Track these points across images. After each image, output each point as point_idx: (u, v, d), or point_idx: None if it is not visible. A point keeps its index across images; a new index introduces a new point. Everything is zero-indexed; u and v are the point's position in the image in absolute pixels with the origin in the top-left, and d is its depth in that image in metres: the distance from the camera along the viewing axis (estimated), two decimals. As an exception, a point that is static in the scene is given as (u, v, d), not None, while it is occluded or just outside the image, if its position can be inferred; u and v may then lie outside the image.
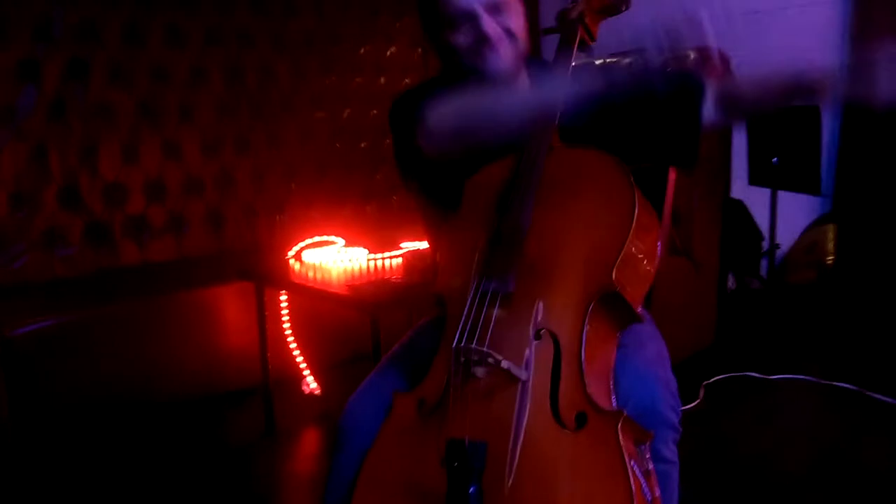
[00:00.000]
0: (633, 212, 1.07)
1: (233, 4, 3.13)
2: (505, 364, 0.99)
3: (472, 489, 0.86)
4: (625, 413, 0.98)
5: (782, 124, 2.73)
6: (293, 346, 2.66)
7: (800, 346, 2.97)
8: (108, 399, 2.43)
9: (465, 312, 1.07)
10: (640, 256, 1.10)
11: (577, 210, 1.14)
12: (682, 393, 2.54)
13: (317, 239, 2.53)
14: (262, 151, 3.26)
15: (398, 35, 3.68)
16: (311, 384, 2.69)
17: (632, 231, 1.07)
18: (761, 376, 2.68)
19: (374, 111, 3.58)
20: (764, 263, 3.51)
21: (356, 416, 1.21)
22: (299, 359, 2.67)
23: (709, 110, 1.19)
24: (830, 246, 3.31)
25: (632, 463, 0.94)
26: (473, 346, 1.02)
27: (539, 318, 1.05)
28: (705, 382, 2.63)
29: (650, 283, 1.13)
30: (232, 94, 3.15)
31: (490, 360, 1.00)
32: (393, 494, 1.05)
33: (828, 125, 3.21)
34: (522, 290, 1.07)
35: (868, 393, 2.49)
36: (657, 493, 0.99)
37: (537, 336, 1.04)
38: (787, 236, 3.40)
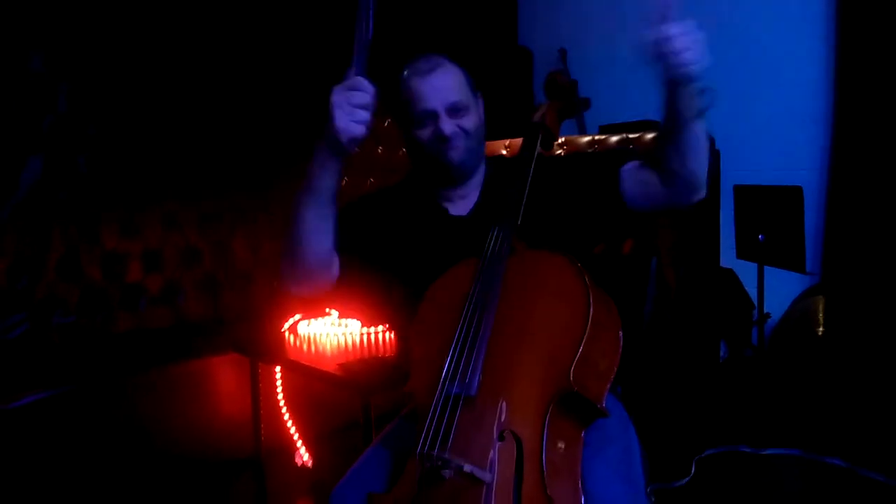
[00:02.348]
0: (588, 313, 1.13)
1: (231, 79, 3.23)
2: (468, 468, 1.03)
3: None
4: None
5: (767, 203, 2.81)
6: (286, 417, 2.68)
7: (790, 419, 2.98)
8: (100, 467, 2.42)
9: (429, 417, 1.12)
10: (598, 354, 1.15)
11: (536, 312, 1.20)
12: (675, 467, 2.57)
13: (311, 311, 2.58)
14: (259, 220, 3.32)
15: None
16: (304, 456, 2.69)
17: (587, 332, 1.12)
18: (752, 451, 2.69)
19: (371, 179, 3.66)
20: (755, 333, 3.56)
21: None
22: (292, 430, 2.68)
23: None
24: (820, 317, 3.35)
25: None
26: (436, 452, 1.06)
27: (503, 419, 1.10)
28: (697, 457, 2.64)
29: (611, 378, 1.17)
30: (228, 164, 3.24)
31: (453, 464, 1.04)
32: None
33: (814, 202, 3.31)
34: (485, 392, 1.12)
35: (858, 470, 2.50)
36: None
37: (501, 437, 1.08)
38: (778, 306, 3.45)
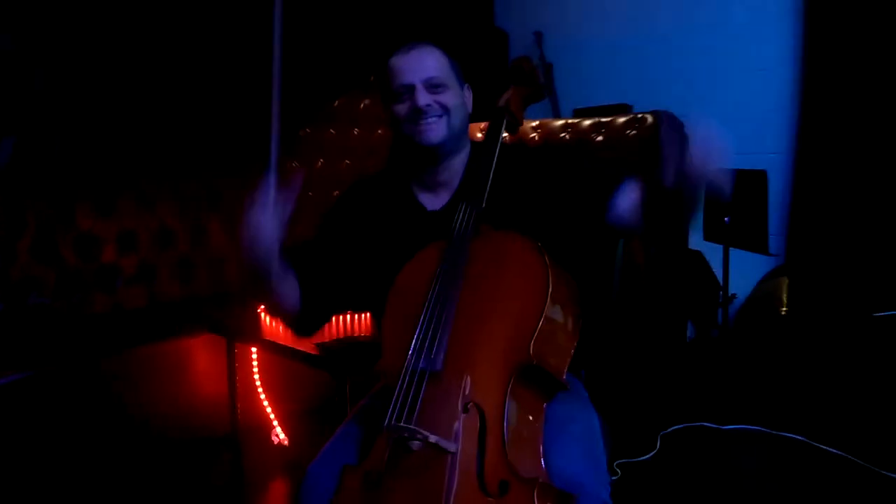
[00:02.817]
0: (547, 290, 1.18)
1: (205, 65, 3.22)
2: (433, 438, 1.08)
3: None
4: (540, 480, 1.06)
5: (733, 186, 2.88)
6: (262, 396, 2.72)
7: (753, 396, 3.09)
8: (77, 447, 2.45)
9: (396, 391, 1.17)
10: (558, 330, 1.21)
11: (499, 290, 1.25)
12: (641, 442, 2.65)
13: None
14: (234, 201, 3.33)
15: (371, 88, 3.79)
16: (280, 435, 2.74)
17: (546, 308, 1.17)
18: (715, 426, 2.79)
19: (347, 161, 3.68)
20: (721, 313, 3.66)
21: (312, 484, 1.28)
22: (268, 409, 2.73)
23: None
24: (784, 297, 3.45)
25: None
26: (402, 423, 1.11)
27: (467, 392, 1.15)
28: (662, 433, 2.73)
29: (571, 353, 1.23)
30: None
31: (419, 435, 1.08)
32: None
33: (779, 185, 3.40)
34: (450, 367, 1.17)
35: (814, 444, 2.61)
36: None
37: (465, 409, 1.13)
38: (743, 287, 3.55)
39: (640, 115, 2.99)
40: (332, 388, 2.12)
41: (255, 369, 2.69)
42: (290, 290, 1.41)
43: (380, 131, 3.78)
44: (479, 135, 3.53)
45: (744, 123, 3.51)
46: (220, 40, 3.21)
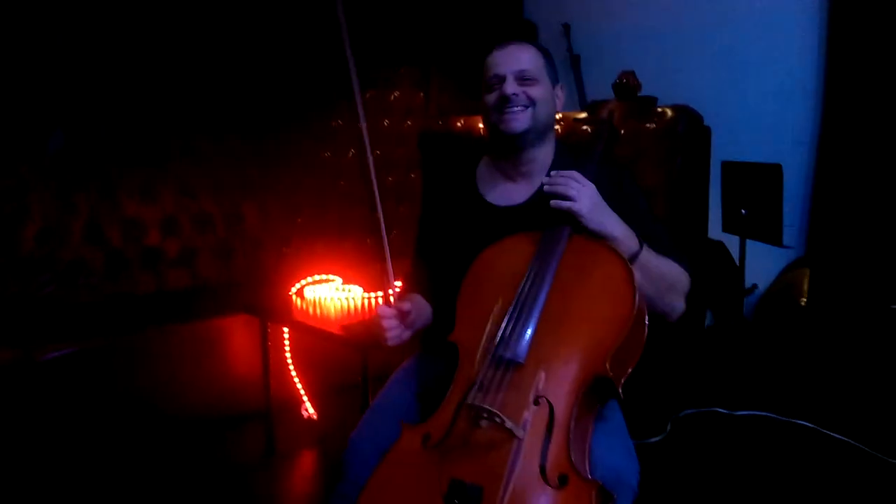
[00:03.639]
0: (633, 313, 1.25)
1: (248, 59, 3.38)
2: (508, 424, 1.15)
3: None
4: (600, 484, 1.13)
5: (750, 179, 2.94)
6: (293, 374, 2.89)
7: (768, 384, 3.15)
8: (123, 416, 2.65)
9: (480, 372, 1.26)
10: (632, 347, 1.27)
11: (586, 299, 1.31)
12: (652, 426, 2.74)
13: (317, 277, 2.77)
14: (269, 190, 3.50)
15: (400, 80, 3.92)
16: (310, 409, 2.91)
17: (629, 329, 1.24)
18: (727, 412, 2.87)
19: (378, 151, 3.82)
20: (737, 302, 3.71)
21: (357, 450, 1.39)
22: (299, 386, 2.90)
23: None
24: (805, 288, 3.49)
25: None
26: (485, 404, 1.19)
27: (540, 387, 1.22)
28: (673, 416, 2.83)
29: (632, 367, 1.29)
30: (241, 137, 3.41)
31: (497, 418, 1.16)
32: None
33: (800, 177, 3.44)
34: (530, 361, 1.25)
35: (823, 430, 2.67)
36: None
37: (536, 402, 1.20)
38: (762, 279, 3.61)
39: (660, 109, 3.06)
40: (357, 367, 2.26)
41: (287, 348, 2.86)
42: (425, 314, 1.54)
43: (409, 122, 3.90)
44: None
45: (766, 115, 3.55)
46: (256, 37, 3.37)
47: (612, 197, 1.48)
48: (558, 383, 1.23)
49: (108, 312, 2.96)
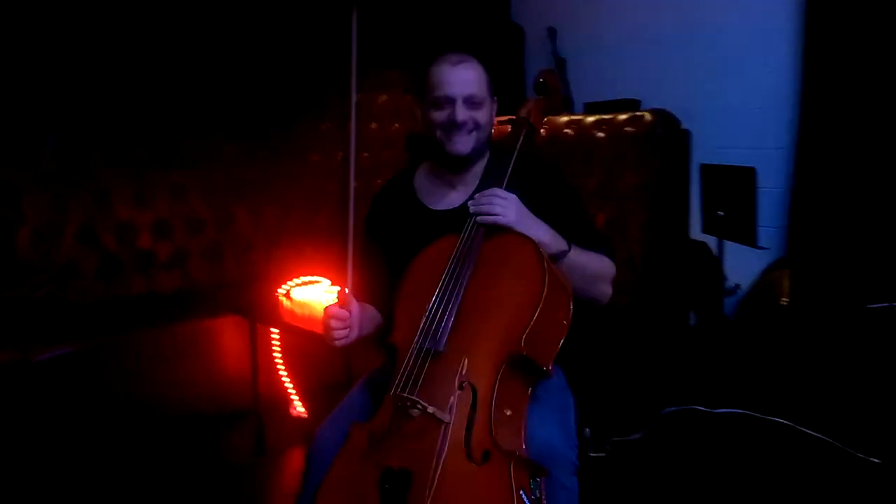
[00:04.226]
0: (543, 293, 1.34)
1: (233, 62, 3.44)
2: (430, 409, 1.26)
3: None
4: (517, 453, 1.23)
5: (726, 181, 3.01)
6: (282, 373, 2.95)
7: (748, 383, 3.21)
8: (116, 416, 2.72)
9: (404, 364, 1.35)
10: (548, 327, 1.36)
11: (501, 286, 1.42)
12: (633, 423, 2.81)
13: (305, 279, 2.83)
14: (259, 192, 3.56)
15: (388, 84, 3.98)
16: (299, 408, 2.98)
17: (540, 308, 1.33)
18: (707, 410, 2.94)
19: (365, 154, 3.88)
20: (726, 303, 3.78)
21: (321, 446, 1.47)
22: (288, 385, 2.96)
23: None
24: (786, 288, 3.56)
25: (520, 492, 1.19)
26: (406, 394, 1.29)
27: (464, 372, 1.32)
28: (655, 414, 2.89)
29: (559, 347, 1.38)
30: (231, 141, 3.46)
31: (419, 405, 1.26)
32: None
33: (780, 179, 3.51)
34: (452, 349, 1.34)
35: (800, 428, 2.74)
36: None
37: (460, 387, 1.30)
38: (747, 278, 3.67)
39: (638, 114, 3.13)
40: (342, 365, 2.34)
41: (276, 348, 2.92)
42: (374, 321, 1.65)
43: (396, 125, 3.97)
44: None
45: (746, 118, 3.62)
46: (244, 44, 3.43)
47: (535, 195, 1.58)
48: (480, 367, 1.32)
49: (101, 314, 3.01)
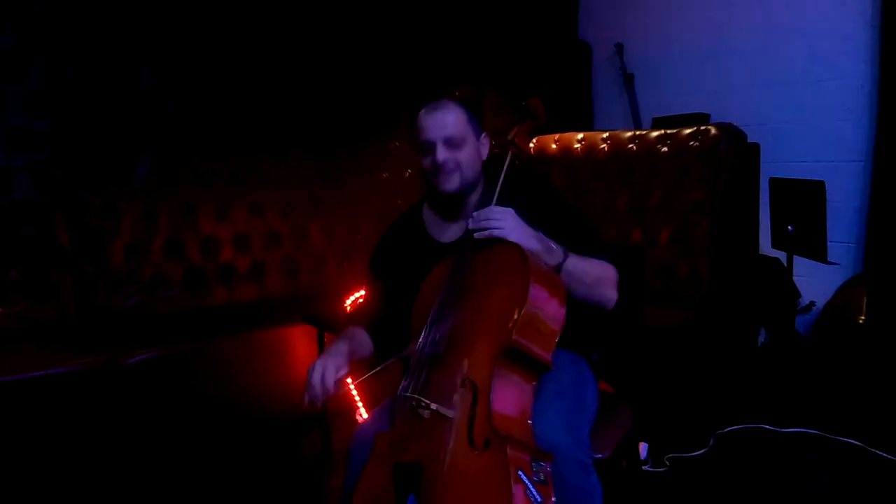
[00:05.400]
0: (527, 287, 1.43)
1: (311, 86, 3.64)
2: (434, 406, 1.38)
3: (410, 497, 1.24)
4: (513, 436, 1.32)
5: (796, 195, 2.95)
6: (348, 380, 3.08)
7: (822, 402, 3.12)
8: (197, 416, 2.90)
9: (410, 369, 1.49)
10: (539, 322, 1.45)
11: (491, 289, 1.53)
12: (696, 440, 2.78)
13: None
14: (333, 209, 3.74)
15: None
16: (364, 414, 3.10)
17: (526, 302, 1.42)
18: (774, 429, 2.87)
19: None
20: (799, 320, 3.68)
21: (357, 448, 1.60)
22: (354, 392, 3.09)
23: None
24: (862, 306, 3.43)
25: (518, 472, 1.28)
26: (409, 393, 1.43)
27: (465, 371, 1.43)
28: (718, 432, 2.85)
29: (555, 341, 1.48)
30: (308, 161, 3.66)
31: (423, 402, 1.39)
32: None
33: (857, 193, 3.41)
34: (452, 352, 1.46)
35: (871, 449, 2.65)
36: (552, 499, 1.30)
37: (462, 384, 1.41)
38: (823, 296, 3.57)
39: (703, 128, 3.12)
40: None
41: (343, 357, 3.05)
42: (365, 350, 1.80)
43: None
44: (553, 145, 3.74)
45: (821, 132, 3.54)
46: (318, 63, 3.63)
47: (529, 208, 1.66)
48: (478, 364, 1.42)
49: (185, 322, 3.24)
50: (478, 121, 1.76)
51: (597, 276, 1.63)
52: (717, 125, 3.10)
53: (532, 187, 1.77)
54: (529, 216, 1.61)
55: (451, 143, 1.68)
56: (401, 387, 1.48)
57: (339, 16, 3.68)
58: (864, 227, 3.39)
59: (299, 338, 3.14)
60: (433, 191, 1.77)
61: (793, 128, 3.63)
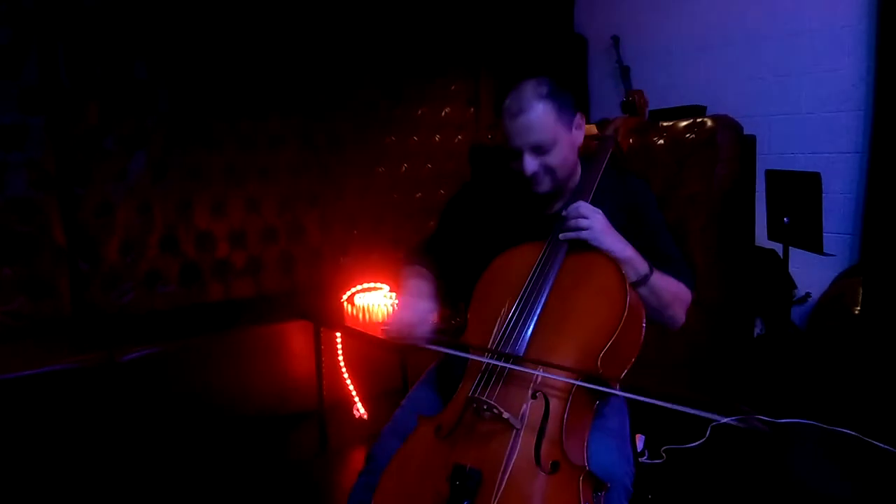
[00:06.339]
0: (623, 315, 1.36)
1: (306, 80, 3.63)
2: (506, 415, 1.29)
3: (466, 502, 1.21)
4: (587, 468, 1.25)
5: (792, 187, 2.95)
6: (345, 376, 3.09)
7: (817, 392, 3.13)
8: (193, 412, 2.91)
9: (483, 367, 1.40)
10: (623, 348, 1.38)
11: (581, 302, 1.44)
12: (691, 432, 2.80)
13: (367, 285, 2.96)
14: (329, 203, 3.73)
15: (452, 97, 4.10)
16: (360, 409, 3.10)
17: (619, 329, 1.36)
18: (770, 420, 2.88)
19: (429, 165, 4.00)
20: (796, 311, 3.68)
21: (384, 445, 1.54)
22: (350, 387, 3.10)
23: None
24: (858, 297, 3.44)
25: None
26: (485, 397, 1.33)
27: (538, 382, 1.35)
28: (714, 423, 2.85)
29: (629, 366, 1.40)
30: (304, 156, 3.64)
31: (495, 410, 1.29)
32: (405, 493, 1.32)
33: (853, 185, 3.41)
34: (529, 356, 1.38)
35: (866, 439, 2.65)
36: None
37: (534, 396, 1.33)
38: (818, 287, 3.57)
39: (700, 120, 3.11)
40: (399, 371, 2.44)
41: (340, 352, 3.06)
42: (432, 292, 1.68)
43: (459, 137, 4.07)
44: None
45: (817, 123, 3.53)
46: (313, 55, 3.62)
47: (623, 209, 1.60)
48: (555, 380, 1.34)
49: (181, 318, 3.23)
50: (569, 104, 1.58)
51: (673, 296, 1.56)
52: (713, 117, 3.09)
53: (630, 190, 1.67)
54: (620, 219, 1.54)
55: (540, 149, 1.55)
56: (472, 385, 1.38)
57: (336, 11, 3.66)
58: (860, 219, 3.39)
59: (296, 333, 3.14)
60: (525, 186, 1.63)
61: (789, 119, 3.63)
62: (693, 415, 1.35)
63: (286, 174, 3.59)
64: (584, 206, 1.49)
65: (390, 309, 2.71)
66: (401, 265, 1.78)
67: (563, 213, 1.51)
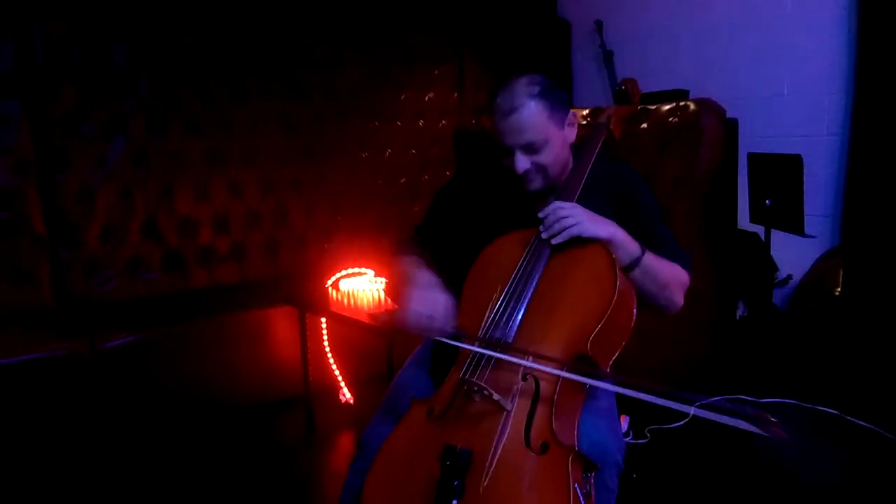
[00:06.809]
0: (613, 298, 1.37)
1: (288, 64, 3.59)
2: (496, 397, 1.29)
3: (456, 482, 1.21)
4: (576, 449, 1.27)
5: (773, 170, 2.98)
6: (331, 361, 3.08)
7: (798, 372, 3.17)
8: (179, 401, 2.89)
9: (471, 353, 1.40)
10: (613, 331, 1.39)
11: (571, 286, 1.44)
12: (675, 412, 2.83)
13: (351, 270, 2.95)
14: (313, 188, 3.70)
15: (436, 82, 4.07)
16: (346, 394, 3.10)
17: (609, 311, 1.36)
18: (752, 399, 2.91)
19: (413, 151, 3.99)
20: (777, 293, 3.72)
21: (375, 430, 1.55)
22: (336, 372, 3.09)
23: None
24: (839, 278, 3.48)
25: (575, 486, 1.22)
26: (475, 379, 1.34)
27: (528, 364, 1.35)
28: (697, 403, 2.88)
29: (620, 349, 1.41)
30: (287, 140, 3.61)
31: (486, 392, 1.30)
32: (398, 475, 1.33)
33: (833, 167, 3.44)
34: (519, 341, 1.39)
35: (847, 417, 2.70)
36: None
37: (524, 378, 1.34)
38: (800, 269, 3.61)
39: (682, 104, 3.12)
40: (385, 356, 2.43)
41: (325, 337, 3.05)
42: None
43: (443, 122, 4.05)
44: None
45: (798, 106, 3.56)
46: (298, 37, 3.57)
47: (616, 196, 1.60)
48: (544, 362, 1.35)
49: (164, 305, 3.20)
50: (562, 102, 1.57)
51: (668, 277, 1.54)
52: (696, 101, 3.10)
53: (623, 178, 1.67)
54: (612, 205, 1.55)
55: (532, 148, 1.54)
56: (462, 367, 1.39)
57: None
58: (841, 201, 3.43)
59: (280, 319, 3.13)
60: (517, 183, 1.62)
61: (770, 102, 3.65)
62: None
63: (269, 159, 3.56)
64: (559, 206, 1.48)
65: (377, 294, 2.70)
66: (393, 255, 1.75)
67: (540, 215, 1.49)
